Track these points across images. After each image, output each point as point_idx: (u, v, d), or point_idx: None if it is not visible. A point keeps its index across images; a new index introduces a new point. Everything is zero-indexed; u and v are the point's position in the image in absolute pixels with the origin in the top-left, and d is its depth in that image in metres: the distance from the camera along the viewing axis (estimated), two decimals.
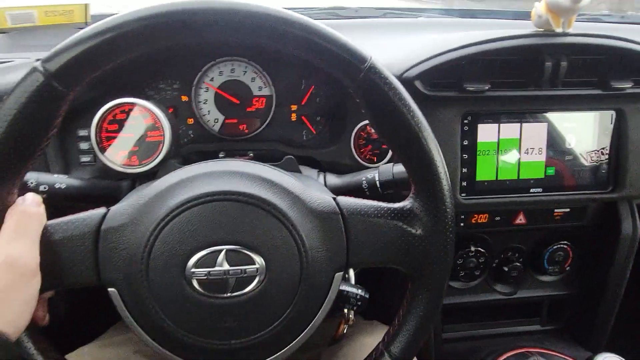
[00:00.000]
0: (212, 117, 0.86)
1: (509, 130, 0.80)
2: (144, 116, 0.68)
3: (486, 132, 0.80)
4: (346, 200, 0.51)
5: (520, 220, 0.88)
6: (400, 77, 0.74)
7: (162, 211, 0.46)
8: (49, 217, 0.47)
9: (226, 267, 0.46)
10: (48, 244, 0.45)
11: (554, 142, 0.82)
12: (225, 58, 0.84)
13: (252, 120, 0.86)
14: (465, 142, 0.79)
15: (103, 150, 0.68)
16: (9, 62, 0.76)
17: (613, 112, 0.82)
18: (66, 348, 0.70)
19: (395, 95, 0.46)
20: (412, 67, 0.74)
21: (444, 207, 0.49)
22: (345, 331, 0.69)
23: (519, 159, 0.81)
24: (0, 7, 0.90)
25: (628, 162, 0.82)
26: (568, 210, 0.88)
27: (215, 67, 0.84)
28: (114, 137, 0.69)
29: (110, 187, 0.69)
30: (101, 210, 0.48)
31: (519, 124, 0.80)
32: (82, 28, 0.93)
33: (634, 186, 0.83)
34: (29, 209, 0.44)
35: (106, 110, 0.67)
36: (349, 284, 0.58)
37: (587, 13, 1.28)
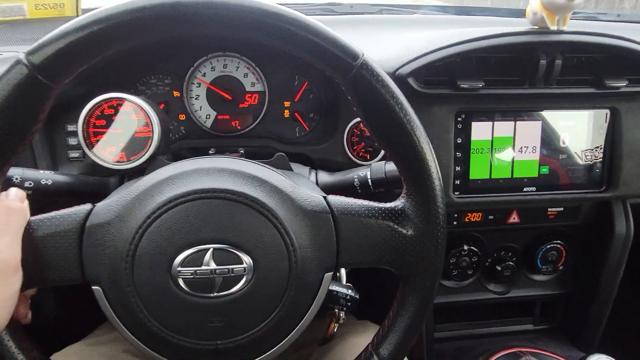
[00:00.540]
0: (204, 113, 0.85)
1: (503, 128, 0.80)
2: (133, 112, 0.67)
3: (480, 130, 0.79)
4: (337, 200, 0.50)
5: (514, 219, 0.87)
6: (393, 74, 0.73)
7: (149, 208, 0.45)
8: (35, 214, 0.46)
9: (213, 266, 0.45)
10: (31, 240, 0.44)
11: (548, 141, 0.81)
12: (217, 53, 0.83)
13: (245, 117, 0.85)
14: (459, 140, 0.78)
15: (91, 146, 0.67)
16: None
17: (607, 111, 0.81)
18: (53, 347, 0.69)
19: (388, 92, 0.46)
20: (405, 64, 0.73)
21: (435, 207, 0.48)
22: (335, 330, 0.69)
23: (513, 157, 0.81)
24: None
25: (622, 161, 0.82)
26: (562, 209, 0.88)
27: (207, 63, 0.83)
28: (102, 133, 0.67)
29: (98, 183, 0.68)
30: (86, 206, 0.47)
31: (513, 122, 0.80)
32: None
33: (627, 185, 0.83)
34: (12, 204, 0.43)
35: (94, 106, 0.66)
36: (339, 284, 0.57)
37: (583, 11, 1.28)
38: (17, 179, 0.59)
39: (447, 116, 0.77)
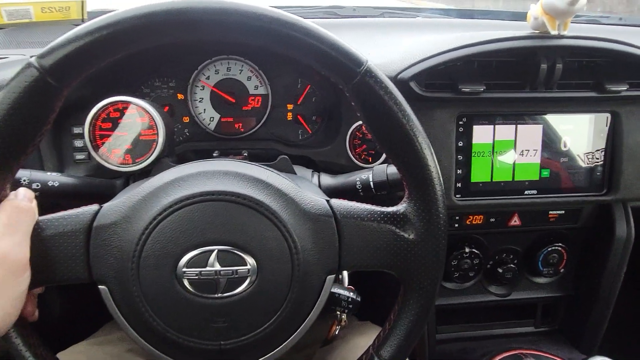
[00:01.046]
0: (208, 115, 0.86)
1: (504, 131, 0.80)
2: (138, 115, 0.68)
3: (481, 134, 0.80)
4: (339, 203, 0.51)
5: (515, 221, 0.88)
6: (395, 78, 0.74)
7: (155, 210, 0.46)
8: (42, 214, 0.47)
9: (217, 267, 0.46)
10: (39, 239, 0.45)
11: (549, 144, 0.82)
12: (221, 56, 0.84)
13: (248, 119, 0.86)
14: (461, 144, 0.79)
15: (97, 148, 0.68)
16: (4, 58, 0.75)
17: (608, 115, 0.82)
18: (59, 346, 0.70)
19: (391, 99, 0.46)
20: (407, 68, 0.74)
21: (436, 212, 0.49)
22: (337, 332, 0.70)
23: (514, 160, 0.81)
24: None
25: (623, 165, 0.82)
26: (563, 212, 0.88)
27: (211, 66, 0.84)
28: (108, 135, 0.68)
29: (103, 185, 0.68)
30: (94, 207, 0.48)
31: (514, 126, 0.80)
32: (78, 25, 0.93)
33: (628, 189, 0.83)
34: (21, 203, 0.44)
35: (100, 109, 0.67)
36: (341, 287, 0.57)
37: (585, 15, 1.28)
38: (25, 180, 0.60)
39: (448, 119, 0.77)
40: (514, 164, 0.81)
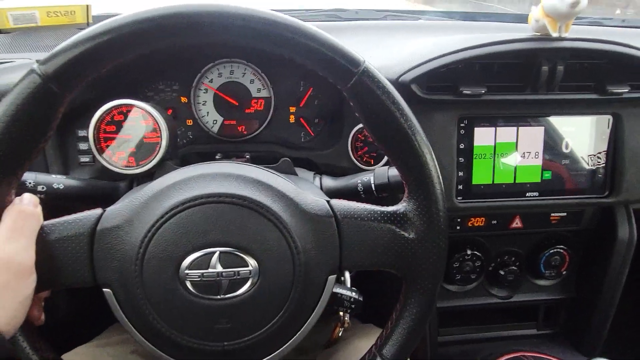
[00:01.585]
0: (211, 118, 0.86)
1: (506, 134, 0.80)
2: (142, 118, 0.68)
3: (483, 136, 0.80)
4: (340, 203, 0.51)
5: (517, 224, 0.88)
6: (396, 80, 0.75)
7: (157, 213, 0.47)
8: (47, 218, 0.47)
9: (219, 269, 0.46)
10: (44, 243, 0.46)
11: (551, 146, 0.82)
12: (224, 60, 0.84)
13: (251, 122, 0.87)
14: (462, 146, 0.79)
15: (101, 151, 0.69)
16: (9, 62, 0.76)
17: (610, 117, 0.82)
18: (63, 348, 0.71)
19: (388, 98, 0.47)
20: (408, 70, 0.74)
21: (436, 211, 0.49)
22: (340, 334, 0.70)
23: (516, 162, 0.81)
24: (2, 8, 0.91)
25: (625, 167, 0.82)
26: (565, 214, 0.88)
27: (214, 69, 0.85)
28: (112, 138, 0.69)
29: (108, 187, 0.69)
30: (97, 211, 0.49)
31: (515, 128, 0.80)
32: (83, 29, 0.94)
33: (630, 191, 0.83)
34: (26, 208, 0.45)
35: (104, 112, 0.68)
36: (344, 287, 0.58)
37: (588, 17, 1.28)
38: (30, 183, 0.61)
39: (450, 122, 0.78)
40: (515, 166, 0.82)
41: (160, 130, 0.68)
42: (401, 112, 0.47)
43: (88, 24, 0.97)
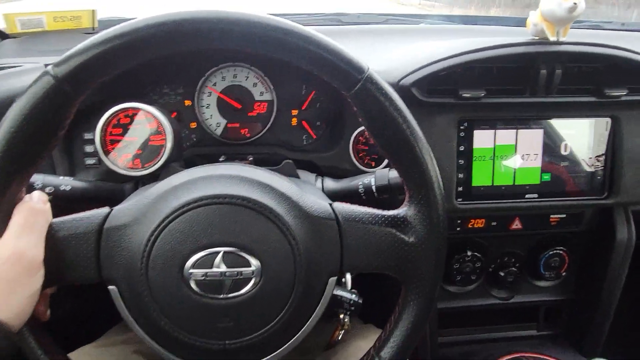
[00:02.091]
0: (215, 121, 0.88)
1: (505, 136, 0.81)
2: (147, 121, 0.70)
3: (482, 138, 0.81)
4: (342, 207, 0.52)
5: (517, 225, 0.89)
6: (397, 84, 0.76)
7: (164, 212, 0.48)
8: (55, 217, 0.49)
9: (223, 268, 0.47)
10: (52, 240, 0.47)
11: (550, 148, 0.83)
12: (227, 64, 0.86)
13: (254, 125, 0.88)
14: (462, 148, 0.80)
15: (107, 153, 0.70)
16: (18, 66, 0.78)
17: (608, 119, 0.83)
18: (68, 347, 0.72)
19: (392, 105, 0.48)
20: (408, 74, 0.75)
21: (436, 215, 0.50)
22: (340, 338, 0.71)
23: (515, 164, 0.82)
24: (10, 13, 0.93)
25: (623, 169, 0.83)
26: (564, 216, 0.89)
27: (218, 73, 0.86)
28: (118, 141, 0.71)
29: (113, 189, 0.70)
30: (105, 209, 0.50)
31: (515, 130, 0.81)
32: (89, 33, 0.95)
33: (629, 192, 0.84)
34: (36, 205, 0.46)
35: (111, 115, 0.69)
36: (344, 289, 0.59)
37: (587, 20, 1.29)
38: (38, 185, 0.62)
39: (449, 124, 0.79)
40: (515, 168, 0.83)
41: (165, 133, 0.69)
42: (403, 118, 0.48)
43: (94, 29, 0.99)
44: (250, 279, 0.48)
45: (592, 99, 0.80)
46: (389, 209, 0.56)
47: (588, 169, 0.84)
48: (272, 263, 0.48)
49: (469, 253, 0.91)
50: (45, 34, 0.94)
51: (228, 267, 0.47)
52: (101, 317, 0.77)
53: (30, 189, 0.62)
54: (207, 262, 0.47)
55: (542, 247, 0.93)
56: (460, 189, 0.81)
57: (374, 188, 0.69)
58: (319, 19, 1.18)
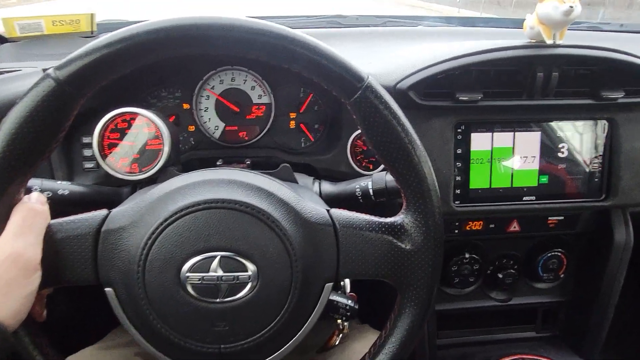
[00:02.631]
0: (213, 124, 0.88)
1: (502, 139, 0.82)
2: (145, 125, 0.70)
3: (479, 141, 0.81)
4: (339, 213, 0.53)
5: (514, 227, 0.89)
6: (394, 87, 0.76)
7: (161, 216, 0.48)
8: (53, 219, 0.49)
9: (220, 272, 0.48)
10: (50, 242, 0.47)
11: (547, 151, 0.83)
12: (225, 67, 0.86)
13: (252, 128, 0.88)
14: (459, 151, 0.80)
15: (105, 157, 0.71)
16: (17, 71, 0.78)
17: (605, 122, 0.83)
18: (68, 350, 0.72)
19: (390, 113, 0.49)
20: (405, 77, 0.75)
21: (433, 224, 0.51)
22: (337, 343, 0.71)
23: (513, 167, 0.83)
24: (9, 17, 0.93)
25: (621, 171, 0.83)
26: (562, 218, 0.89)
27: (216, 76, 0.87)
28: (116, 145, 0.71)
29: (112, 193, 0.71)
30: (103, 212, 0.50)
31: (512, 133, 0.82)
32: (87, 37, 0.95)
33: (626, 194, 0.84)
34: (35, 206, 0.47)
35: (108, 119, 0.70)
36: (340, 294, 0.59)
37: (586, 22, 1.29)
38: (36, 189, 0.63)
39: (446, 127, 0.79)
40: (512, 170, 0.83)
41: (162, 137, 0.69)
42: (402, 127, 0.49)
43: (92, 32, 0.99)
44: (246, 284, 0.48)
45: (589, 101, 0.80)
46: (386, 212, 0.57)
47: (585, 171, 0.84)
48: (268, 268, 0.49)
49: (467, 255, 0.91)
50: (43, 38, 0.95)
51: (225, 271, 0.48)
52: (101, 321, 0.77)
53: (28, 193, 0.62)
54: (204, 266, 0.48)
55: (540, 249, 0.93)
56: (457, 191, 0.82)
57: (371, 191, 0.69)
58: (318, 22, 1.19)
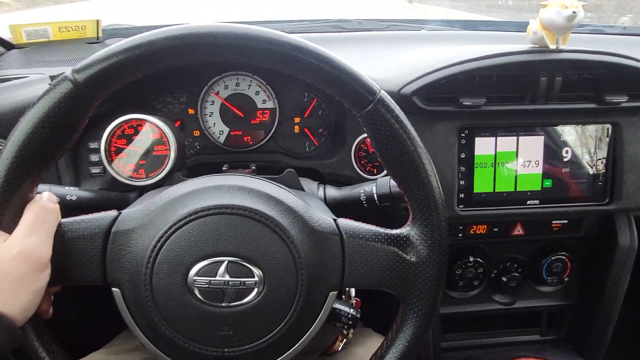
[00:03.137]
0: (218, 129, 0.89)
1: (506, 143, 0.82)
2: (151, 131, 0.71)
3: (483, 145, 0.81)
4: (346, 223, 0.53)
5: (519, 231, 0.89)
6: (398, 93, 0.76)
7: (171, 219, 0.49)
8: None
9: (227, 277, 0.48)
10: (60, 240, 0.48)
11: (551, 155, 0.83)
12: (230, 72, 0.87)
13: (256, 132, 0.89)
14: (463, 155, 0.81)
15: (111, 163, 0.71)
16: (24, 77, 0.79)
17: (609, 126, 0.83)
18: (77, 353, 0.73)
19: (401, 127, 0.49)
20: (409, 82, 0.76)
21: (439, 237, 0.51)
22: (340, 349, 0.71)
23: (516, 171, 0.83)
24: (16, 24, 0.94)
25: (625, 175, 0.83)
26: (566, 221, 0.89)
27: (220, 81, 0.87)
28: (123, 150, 0.72)
29: (118, 198, 0.71)
30: (113, 212, 0.51)
31: (515, 137, 0.82)
32: (93, 42, 0.96)
33: (630, 198, 0.84)
34: (47, 204, 0.47)
35: (115, 126, 0.71)
36: (343, 303, 0.60)
37: (589, 24, 1.29)
38: None
39: (450, 132, 0.79)
40: (516, 174, 0.83)
41: (168, 143, 0.70)
42: (412, 141, 0.50)
43: (98, 38, 1.00)
44: (252, 289, 0.49)
45: (593, 105, 0.81)
46: (390, 216, 0.57)
47: (589, 175, 0.85)
48: (274, 275, 0.49)
49: (471, 259, 0.91)
50: (50, 45, 0.96)
51: (231, 276, 0.48)
52: (109, 324, 0.78)
53: None
54: (211, 270, 0.48)
55: (544, 253, 0.93)
56: (461, 195, 0.82)
57: (375, 196, 0.69)
58: (322, 26, 1.19)
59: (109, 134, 0.70)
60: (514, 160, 0.83)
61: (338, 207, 0.70)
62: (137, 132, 0.71)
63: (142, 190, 0.73)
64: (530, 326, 1.02)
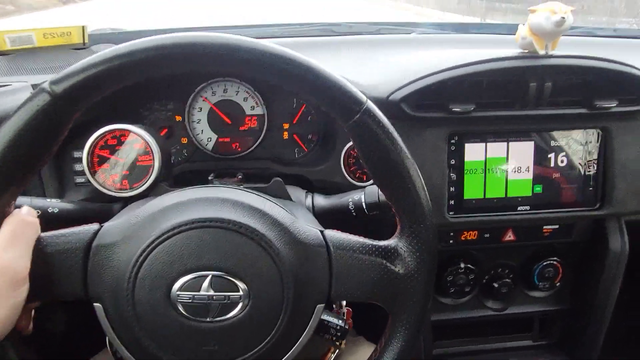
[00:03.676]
0: (205, 136, 0.88)
1: (496, 149, 0.81)
2: (135, 141, 0.70)
3: (473, 152, 0.81)
4: (333, 234, 0.52)
5: (510, 237, 0.89)
6: (386, 99, 0.76)
7: (154, 233, 0.48)
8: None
9: (211, 292, 0.47)
10: (40, 254, 0.47)
11: (541, 160, 0.83)
12: (218, 79, 0.86)
13: (245, 139, 0.88)
14: (453, 162, 0.80)
15: (95, 174, 0.70)
16: (7, 85, 0.78)
17: (599, 131, 0.83)
18: None
19: (388, 137, 0.49)
20: (398, 89, 0.75)
21: (427, 249, 0.51)
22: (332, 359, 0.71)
23: (507, 177, 0.82)
24: None
25: (615, 180, 0.83)
26: (557, 227, 0.89)
27: (208, 88, 0.86)
28: (106, 160, 0.70)
29: (102, 209, 0.70)
30: (94, 226, 0.50)
31: (505, 143, 0.81)
32: (79, 49, 0.94)
33: (621, 203, 0.84)
34: (26, 218, 0.47)
35: (98, 137, 0.69)
36: (332, 314, 0.59)
37: (580, 27, 1.29)
38: None
39: (440, 138, 0.79)
40: (506, 180, 0.82)
41: (152, 153, 0.69)
42: (399, 151, 0.49)
43: (84, 44, 0.99)
44: (237, 304, 0.48)
45: (583, 110, 0.80)
46: (379, 225, 0.56)
47: (580, 180, 0.84)
48: (260, 289, 0.48)
49: (462, 265, 0.90)
50: (34, 52, 0.94)
51: (216, 291, 0.47)
52: (91, 337, 0.76)
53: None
54: (195, 285, 0.47)
55: (535, 258, 0.93)
56: (452, 202, 0.81)
57: (364, 205, 0.69)
58: (311, 30, 1.18)
59: (91, 145, 0.69)
60: (504, 166, 0.82)
61: (326, 216, 0.69)
62: (120, 143, 0.70)
63: (127, 201, 0.72)
64: (522, 332, 1.02)
